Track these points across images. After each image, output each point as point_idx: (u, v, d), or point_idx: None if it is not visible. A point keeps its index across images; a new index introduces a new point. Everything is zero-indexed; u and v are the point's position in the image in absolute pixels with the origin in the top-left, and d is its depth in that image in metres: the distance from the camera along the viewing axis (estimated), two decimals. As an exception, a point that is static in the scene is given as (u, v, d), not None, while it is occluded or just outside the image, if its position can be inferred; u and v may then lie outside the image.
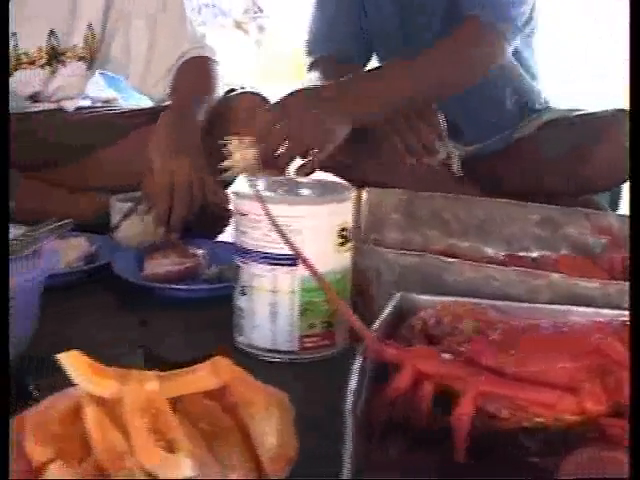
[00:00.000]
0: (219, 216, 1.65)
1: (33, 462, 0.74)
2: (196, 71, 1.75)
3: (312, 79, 1.79)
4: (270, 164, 1.35)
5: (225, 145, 1.36)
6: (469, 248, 1.38)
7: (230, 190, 1.11)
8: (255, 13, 10.44)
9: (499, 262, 1.29)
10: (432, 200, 1.41)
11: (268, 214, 0.87)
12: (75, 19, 1.77)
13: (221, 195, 1.59)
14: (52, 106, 1.82)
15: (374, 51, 1.89)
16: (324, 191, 1.08)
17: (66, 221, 1.10)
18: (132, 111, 1.86)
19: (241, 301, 1.09)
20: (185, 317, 1.26)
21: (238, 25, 10.06)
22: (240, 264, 1.08)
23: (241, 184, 1.14)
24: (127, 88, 2.07)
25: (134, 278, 1.32)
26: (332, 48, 1.85)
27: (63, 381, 0.98)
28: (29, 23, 1.72)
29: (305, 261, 0.84)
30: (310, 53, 1.90)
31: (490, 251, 1.37)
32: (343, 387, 0.96)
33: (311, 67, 1.87)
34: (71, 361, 0.81)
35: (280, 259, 1.03)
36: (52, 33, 1.75)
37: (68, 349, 0.82)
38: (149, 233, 1.47)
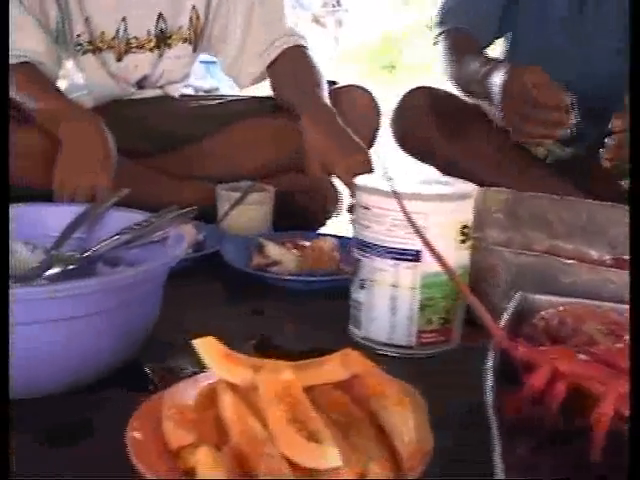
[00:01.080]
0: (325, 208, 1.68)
1: (171, 445, 0.75)
2: (300, 60, 1.75)
3: (440, 49, 1.80)
4: None
5: None
6: (573, 250, 1.36)
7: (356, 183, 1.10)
8: (334, 7, 10.45)
9: (607, 265, 1.27)
10: (536, 200, 1.39)
11: (404, 209, 0.87)
12: (181, 1, 1.79)
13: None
14: (158, 92, 1.85)
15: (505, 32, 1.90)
16: (447, 188, 1.08)
17: (190, 208, 1.11)
18: (236, 101, 1.87)
19: (360, 294, 1.09)
20: (297, 308, 1.26)
21: (316, 19, 10.08)
22: (360, 258, 1.08)
23: (364, 178, 1.13)
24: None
25: (246, 267, 1.33)
26: (466, 21, 1.85)
27: (178, 366, 1.02)
28: (138, 8, 1.75)
29: (439, 258, 0.83)
30: (441, 23, 1.90)
31: (595, 254, 1.35)
32: (458, 383, 0.96)
33: (440, 37, 1.87)
34: (206, 347, 0.82)
35: (403, 254, 1.03)
36: (160, 16, 1.78)
37: (197, 336, 0.84)
38: (257, 222, 1.48)
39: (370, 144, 1.75)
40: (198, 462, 0.69)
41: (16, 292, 0.84)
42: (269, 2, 1.80)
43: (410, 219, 0.86)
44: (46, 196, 1.42)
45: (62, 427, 0.89)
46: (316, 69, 1.69)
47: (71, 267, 1.03)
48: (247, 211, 1.48)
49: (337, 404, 0.82)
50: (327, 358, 0.87)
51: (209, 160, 1.74)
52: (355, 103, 1.72)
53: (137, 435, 0.76)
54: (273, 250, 1.32)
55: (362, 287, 1.08)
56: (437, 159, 1.86)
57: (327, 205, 1.70)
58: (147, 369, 1.01)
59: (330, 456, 0.68)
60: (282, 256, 1.32)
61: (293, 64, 1.73)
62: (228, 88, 2.16)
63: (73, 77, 1.81)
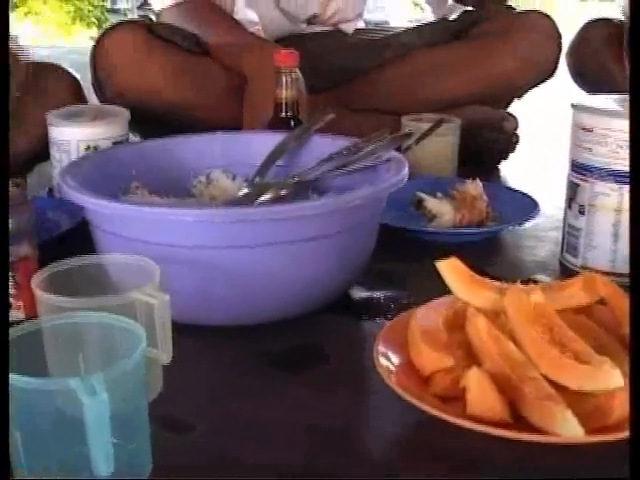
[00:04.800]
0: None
1: (426, 370, 0.73)
2: None
3: None
4: None
5: None
6: None
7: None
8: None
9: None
10: None
11: None
12: None
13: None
14: (329, 29, 1.81)
15: None
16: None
17: (403, 133, 1.08)
18: (405, 32, 1.81)
19: (578, 220, 1.04)
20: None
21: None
22: (579, 182, 1.03)
23: (584, 98, 1.08)
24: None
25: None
26: None
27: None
28: None
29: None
30: None
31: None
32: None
33: None
34: (450, 270, 0.80)
35: (628, 177, 0.98)
36: None
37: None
38: (444, 157, 1.44)
39: (551, 72, 1.69)
40: (470, 383, 0.66)
41: (249, 211, 0.83)
42: None
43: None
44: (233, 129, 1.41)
45: (293, 351, 0.88)
46: None
47: (283, 193, 1.02)
48: (433, 144, 1.43)
49: (585, 328, 0.78)
50: (568, 282, 0.83)
51: (388, 91, 1.68)
52: (535, 29, 1.65)
53: (385, 360, 0.75)
54: (431, 204, 1.26)
55: (581, 212, 1.03)
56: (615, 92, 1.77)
57: (508, 142, 1.64)
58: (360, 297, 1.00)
59: (614, 377, 0.64)
60: (440, 208, 1.26)
61: None
62: (396, 22, 2.10)
63: (243, 13, 1.79)
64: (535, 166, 1.66)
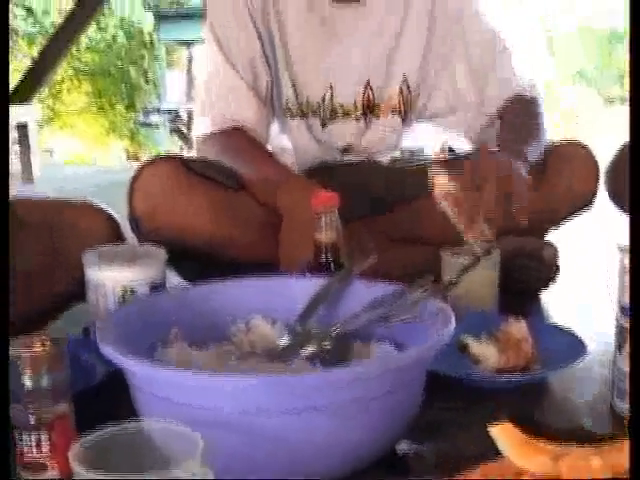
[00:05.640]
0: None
1: None
2: (522, 114, 1.66)
3: None
4: None
5: None
6: None
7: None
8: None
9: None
10: None
11: None
12: (391, 70, 1.75)
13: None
14: (364, 158, 1.81)
15: None
16: None
17: (451, 280, 1.06)
18: (445, 161, 1.81)
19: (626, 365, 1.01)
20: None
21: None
22: (627, 325, 1.00)
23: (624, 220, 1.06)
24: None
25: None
26: None
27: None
28: (346, 75, 1.73)
29: None
30: None
31: None
32: None
33: None
34: (504, 434, 0.77)
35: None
36: (368, 85, 1.74)
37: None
38: (485, 290, 1.42)
39: (590, 202, 1.67)
40: None
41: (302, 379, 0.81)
42: (498, 51, 1.72)
43: None
44: (269, 266, 1.40)
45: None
46: (535, 122, 1.63)
47: (325, 345, 0.99)
48: (474, 277, 1.40)
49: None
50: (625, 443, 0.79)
51: (425, 222, 1.65)
52: (573, 160, 1.64)
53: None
54: (476, 348, 1.23)
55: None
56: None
57: (548, 271, 1.61)
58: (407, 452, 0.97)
59: None
60: (484, 352, 1.23)
61: (514, 119, 1.65)
62: (431, 148, 2.10)
63: (278, 140, 1.81)
64: (577, 296, 1.63)
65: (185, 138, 9.75)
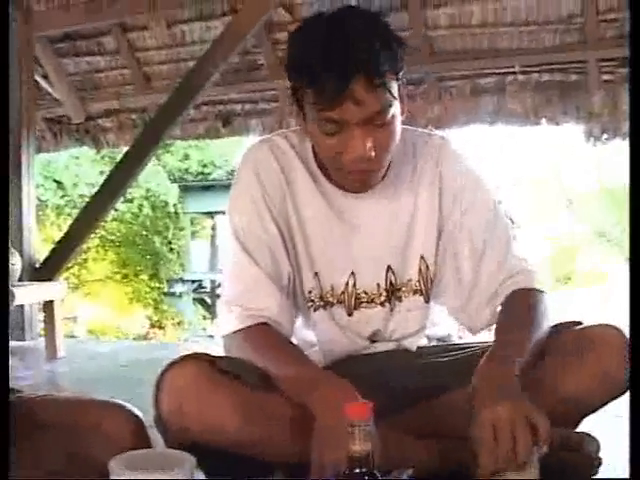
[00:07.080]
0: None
1: None
2: (520, 305, 1.66)
3: None
4: None
5: None
6: None
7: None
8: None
9: None
10: None
11: None
12: (409, 252, 1.76)
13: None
14: (391, 346, 1.78)
15: None
16: None
17: None
18: (472, 350, 1.77)
19: None
20: None
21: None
22: None
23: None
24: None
25: None
26: None
27: None
28: (366, 261, 1.74)
29: None
30: None
31: None
32: None
33: None
34: None
35: None
36: (389, 269, 1.75)
37: None
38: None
39: (626, 386, 1.62)
40: None
41: None
42: (498, 239, 1.74)
43: None
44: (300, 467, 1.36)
45: None
46: (534, 315, 1.62)
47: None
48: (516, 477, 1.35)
49: None
50: None
51: (453, 417, 1.58)
52: (607, 344, 1.59)
53: None
54: None
55: None
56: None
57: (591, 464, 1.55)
58: None
59: None
60: None
61: (514, 308, 1.66)
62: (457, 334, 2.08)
63: (303, 333, 1.79)
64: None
65: (208, 307, 9.81)
